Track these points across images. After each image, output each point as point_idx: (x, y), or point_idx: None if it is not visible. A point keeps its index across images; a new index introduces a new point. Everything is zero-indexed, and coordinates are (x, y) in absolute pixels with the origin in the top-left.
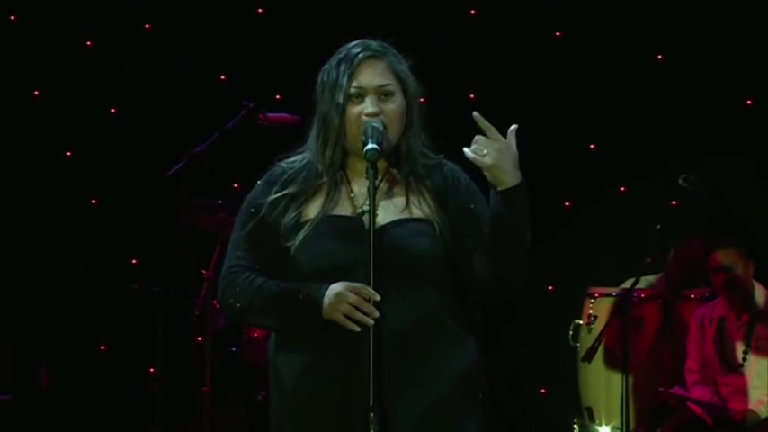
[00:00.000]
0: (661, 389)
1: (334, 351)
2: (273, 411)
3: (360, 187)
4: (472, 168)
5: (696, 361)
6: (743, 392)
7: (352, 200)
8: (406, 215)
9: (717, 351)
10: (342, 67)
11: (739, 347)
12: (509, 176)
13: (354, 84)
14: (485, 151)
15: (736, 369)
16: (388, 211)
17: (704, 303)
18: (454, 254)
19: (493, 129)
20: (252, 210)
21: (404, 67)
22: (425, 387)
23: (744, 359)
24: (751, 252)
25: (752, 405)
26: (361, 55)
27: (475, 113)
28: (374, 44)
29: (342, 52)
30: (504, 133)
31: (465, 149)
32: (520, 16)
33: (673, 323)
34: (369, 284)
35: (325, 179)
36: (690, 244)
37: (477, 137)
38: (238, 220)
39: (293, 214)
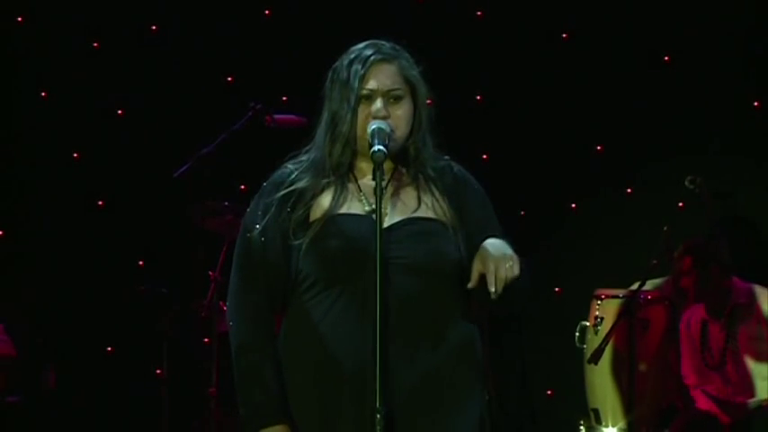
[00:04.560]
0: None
1: (349, 351)
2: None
3: (368, 186)
4: (476, 172)
5: (688, 366)
6: (737, 390)
7: (360, 199)
8: (418, 214)
9: (702, 352)
10: (353, 68)
11: (721, 347)
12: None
13: (365, 86)
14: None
15: (720, 369)
16: (399, 211)
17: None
18: (464, 255)
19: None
20: (259, 211)
21: (415, 71)
22: (444, 408)
23: (725, 356)
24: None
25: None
26: (373, 57)
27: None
28: (386, 46)
29: (353, 53)
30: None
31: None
32: (526, 18)
33: (679, 325)
34: (377, 284)
35: (332, 178)
36: (695, 245)
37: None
38: (245, 222)
39: (301, 212)
